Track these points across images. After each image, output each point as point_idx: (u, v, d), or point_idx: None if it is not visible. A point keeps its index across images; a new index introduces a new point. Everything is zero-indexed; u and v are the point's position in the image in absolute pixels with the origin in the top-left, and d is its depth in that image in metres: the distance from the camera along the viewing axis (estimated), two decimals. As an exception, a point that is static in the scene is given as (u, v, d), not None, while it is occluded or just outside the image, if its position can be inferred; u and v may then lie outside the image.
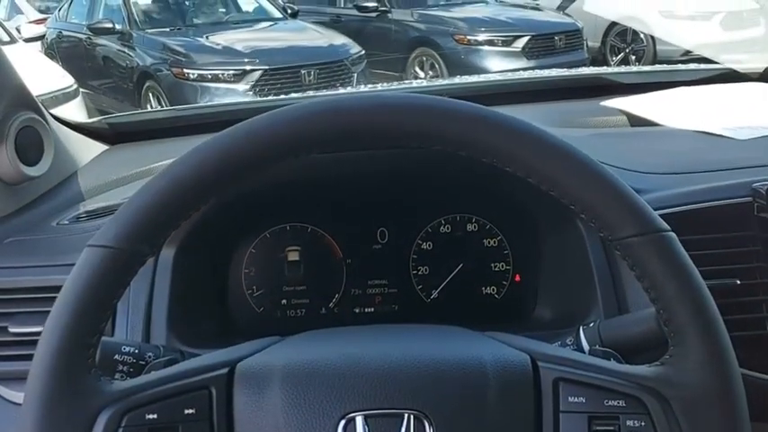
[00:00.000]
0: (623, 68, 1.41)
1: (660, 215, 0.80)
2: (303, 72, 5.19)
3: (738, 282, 0.78)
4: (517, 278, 0.98)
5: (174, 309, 0.84)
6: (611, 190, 0.58)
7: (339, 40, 5.70)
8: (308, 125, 0.55)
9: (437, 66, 6.03)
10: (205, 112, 1.62)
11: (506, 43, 5.85)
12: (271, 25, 6.14)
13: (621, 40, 6.57)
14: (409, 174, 0.94)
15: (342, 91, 2.03)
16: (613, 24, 6.52)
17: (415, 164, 0.91)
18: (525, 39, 5.83)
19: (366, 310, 0.97)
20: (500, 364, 0.59)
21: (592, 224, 0.59)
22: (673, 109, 1.20)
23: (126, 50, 5.75)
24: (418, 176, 0.95)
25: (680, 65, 1.54)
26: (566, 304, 0.90)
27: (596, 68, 1.64)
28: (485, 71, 5.71)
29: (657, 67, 1.58)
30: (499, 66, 5.72)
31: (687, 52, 5.90)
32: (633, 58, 6.49)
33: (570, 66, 5.49)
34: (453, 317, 0.96)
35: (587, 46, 6.15)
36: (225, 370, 0.59)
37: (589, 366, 0.59)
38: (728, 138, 1.05)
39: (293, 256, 0.97)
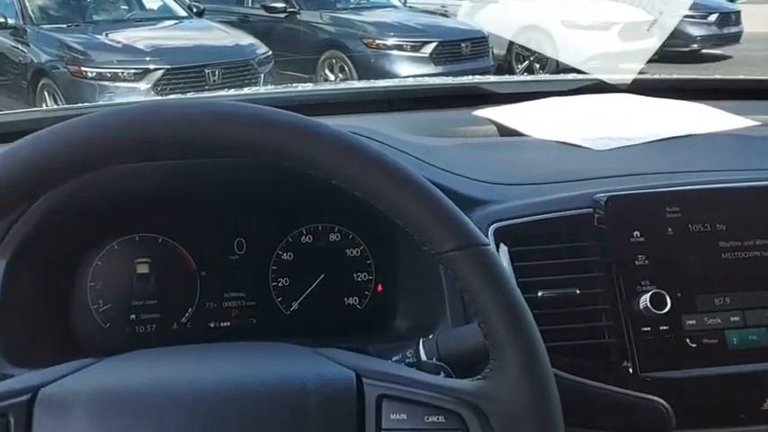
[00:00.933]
0: (499, 78, 1.44)
1: (504, 226, 0.82)
2: (207, 72, 5.09)
3: (578, 291, 0.79)
4: (379, 288, 0.97)
5: (3, 325, 0.78)
6: (432, 205, 0.57)
7: (246, 40, 5.61)
8: (102, 135, 0.52)
9: (347, 68, 6.04)
10: (67, 114, 1.54)
11: (415, 48, 5.92)
12: (175, 24, 5.98)
13: (526, 48, 6.76)
14: (268, 182, 0.92)
15: (246, 91, 1.97)
16: (520, 31, 6.71)
17: (273, 172, 0.88)
18: (433, 44, 5.92)
19: (222, 324, 0.94)
20: (323, 381, 0.58)
21: (416, 238, 0.59)
22: (540, 119, 1.23)
23: (20, 46, 5.47)
24: (278, 185, 0.92)
25: (558, 75, 1.58)
26: (422, 315, 0.90)
27: (473, 77, 1.66)
28: (394, 75, 5.77)
29: (531, 77, 1.62)
30: (407, 70, 5.78)
31: (587, 61, 6.13)
32: (537, 66, 6.70)
33: (476, 72, 5.61)
34: (314, 329, 0.94)
35: (493, 53, 6.30)
36: (26, 396, 0.55)
37: (413, 382, 0.58)
38: (587, 148, 1.07)
39: (143, 269, 0.92)
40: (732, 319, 0.78)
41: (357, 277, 0.96)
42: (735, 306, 0.79)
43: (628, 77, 1.44)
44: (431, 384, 0.58)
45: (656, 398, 0.76)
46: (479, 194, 0.86)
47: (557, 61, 6.58)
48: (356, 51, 5.96)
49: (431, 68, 5.82)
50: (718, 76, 1.68)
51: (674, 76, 1.56)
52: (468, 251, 0.57)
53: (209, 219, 0.94)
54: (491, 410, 0.56)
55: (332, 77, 6.06)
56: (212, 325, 0.94)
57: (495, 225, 0.82)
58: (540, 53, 6.64)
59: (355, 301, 0.96)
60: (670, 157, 1.03)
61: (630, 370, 0.76)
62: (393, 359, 0.74)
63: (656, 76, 1.52)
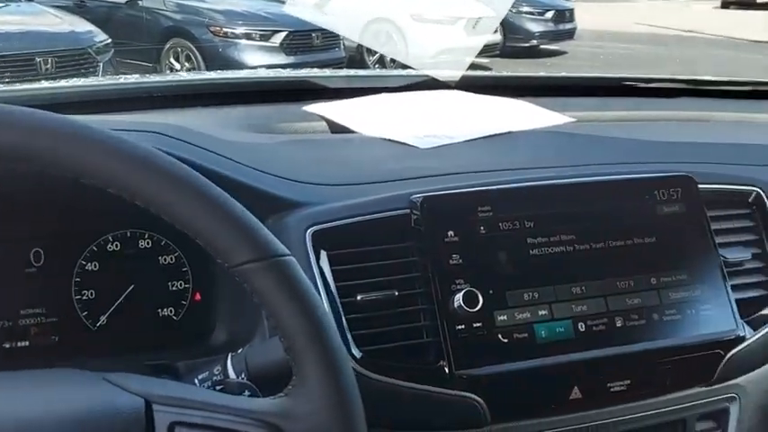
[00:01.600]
0: (332, 72, 1.42)
1: (322, 229, 0.80)
2: (39, 60, 4.69)
3: (397, 293, 0.79)
4: (197, 297, 0.92)
5: None
6: (222, 214, 0.54)
7: (82, 26, 5.24)
8: None
9: (193, 57, 5.82)
10: None
11: (264, 38, 5.81)
12: (0, 7, 5.47)
13: (377, 40, 6.84)
14: (67, 185, 0.83)
15: (62, 83, 1.81)
16: (369, 24, 6.76)
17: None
18: (283, 34, 5.83)
19: (19, 344, 0.85)
20: (109, 412, 0.53)
21: (209, 250, 0.55)
22: (370, 116, 1.22)
23: None
24: (78, 187, 0.84)
25: (389, 70, 1.59)
26: (242, 325, 0.86)
27: (306, 71, 1.63)
28: (243, 65, 5.64)
29: (364, 72, 1.62)
30: (257, 60, 5.67)
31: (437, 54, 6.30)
32: (389, 59, 6.78)
33: (327, 64, 5.60)
34: (125, 344, 0.87)
35: (344, 45, 6.31)
36: None
37: (208, 405, 0.55)
38: (413, 146, 1.08)
39: None
40: (540, 312, 0.81)
41: (172, 286, 0.91)
42: (543, 300, 0.81)
43: (457, 74, 1.47)
44: (228, 407, 0.55)
45: (470, 395, 0.77)
46: (297, 196, 0.83)
47: (407, 54, 6.70)
48: (203, 40, 5.75)
49: (282, 58, 5.73)
50: (542, 74, 1.76)
51: (503, 73, 1.62)
52: (266, 263, 0.54)
53: (0, 228, 0.84)
54: (292, 429, 0.54)
55: (177, 67, 5.82)
56: (8, 345, 0.85)
57: (313, 228, 0.79)
58: (390, 46, 6.74)
59: (171, 312, 0.90)
60: (489, 154, 1.06)
61: (446, 369, 0.77)
62: (200, 377, 0.70)
63: (483, 73, 1.57)
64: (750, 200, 0.94)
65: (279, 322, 0.55)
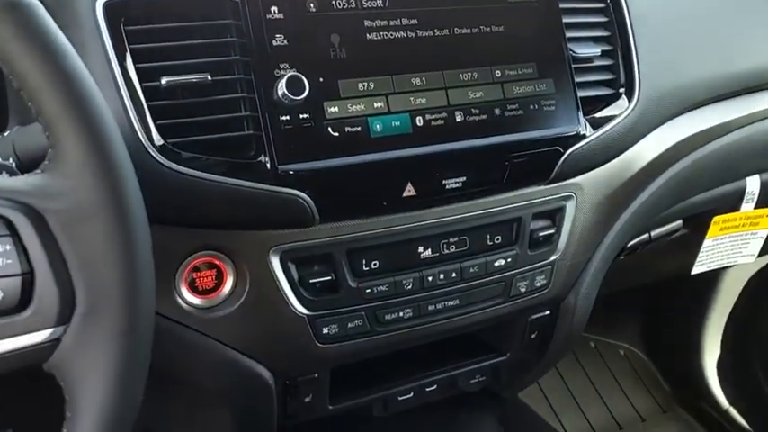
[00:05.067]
0: None
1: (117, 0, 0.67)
2: None
3: (210, 78, 0.68)
4: None
5: None
6: None
7: None
8: None
9: None
10: None
11: None
12: None
13: None
14: None
15: None
16: None
17: None
18: None
19: None
20: None
21: None
22: None
23: None
24: None
25: None
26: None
27: None
28: None
29: None
30: None
31: None
32: None
33: None
34: None
35: None
36: None
37: None
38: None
39: None
40: (376, 104, 0.73)
41: None
42: (379, 91, 0.74)
43: None
44: None
45: (294, 191, 0.70)
46: None
47: None
48: None
49: None
50: None
51: None
52: None
53: None
54: (47, 208, 0.45)
55: None
56: None
57: None
58: None
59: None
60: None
61: (268, 164, 0.69)
62: (-42, 164, 0.58)
63: None
64: (606, -7, 0.88)
65: (23, 82, 0.44)
